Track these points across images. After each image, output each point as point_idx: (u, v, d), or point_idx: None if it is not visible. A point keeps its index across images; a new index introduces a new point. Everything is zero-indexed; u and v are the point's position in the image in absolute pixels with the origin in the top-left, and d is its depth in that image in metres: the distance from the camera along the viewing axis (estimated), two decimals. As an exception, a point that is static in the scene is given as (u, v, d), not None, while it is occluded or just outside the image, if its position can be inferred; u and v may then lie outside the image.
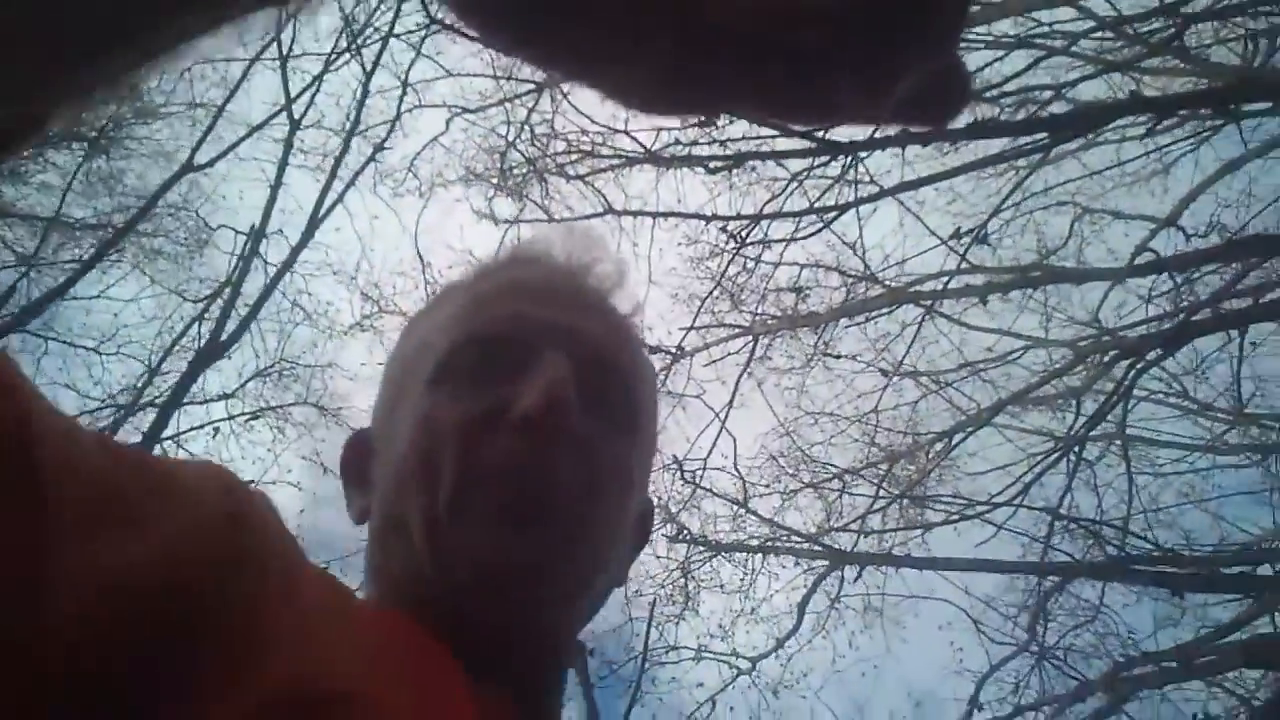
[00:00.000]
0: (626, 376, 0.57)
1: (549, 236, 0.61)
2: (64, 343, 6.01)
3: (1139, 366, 5.61)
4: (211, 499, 0.38)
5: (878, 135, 5.32)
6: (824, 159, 5.34)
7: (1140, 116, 5.25)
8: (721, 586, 5.93)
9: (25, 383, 0.32)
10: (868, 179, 5.57)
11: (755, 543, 5.74)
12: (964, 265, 5.91)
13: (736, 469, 5.62)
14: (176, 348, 5.74)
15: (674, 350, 5.97)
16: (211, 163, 5.67)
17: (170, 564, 0.34)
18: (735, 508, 5.84)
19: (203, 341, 5.38)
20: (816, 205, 5.44)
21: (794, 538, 5.74)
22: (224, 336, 5.39)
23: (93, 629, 0.31)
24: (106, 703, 0.31)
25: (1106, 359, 5.87)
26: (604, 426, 0.53)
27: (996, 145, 5.43)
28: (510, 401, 0.50)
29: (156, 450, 5.43)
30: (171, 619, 0.33)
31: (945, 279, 5.96)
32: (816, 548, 5.63)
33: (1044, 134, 5.24)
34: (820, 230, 5.57)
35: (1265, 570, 5.28)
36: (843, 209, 5.45)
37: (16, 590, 0.29)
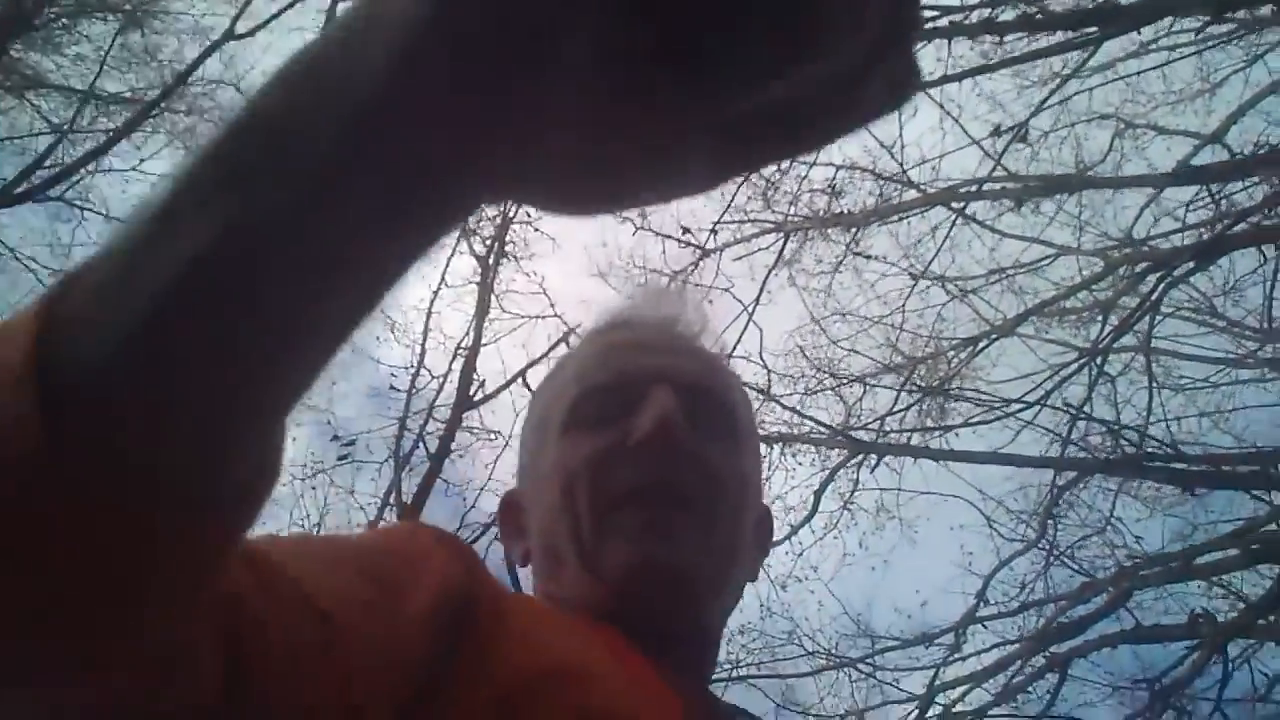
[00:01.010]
0: (723, 397, 0.65)
1: (637, 300, 0.72)
2: (100, 214, 6.08)
3: (1169, 279, 5.62)
4: (441, 553, 0.48)
5: (924, 28, 5.25)
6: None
7: (1193, 19, 5.15)
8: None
9: (278, 559, 0.39)
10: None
11: (776, 432, 5.85)
12: (999, 170, 5.86)
13: (761, 358, 5.69)
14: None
15: (701, 246, 6.00)
16: (252, 32, 5.60)
17: (435, 610, 0.44)
18: (756, 401, 5.94)
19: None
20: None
21: (815, 429, 5.84)
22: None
23: (396, 676, 0.41)
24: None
25: (1137, 270, 5.86)
26: (712, 440, 0.61)
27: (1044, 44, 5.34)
28: (629, 433, 0.59)
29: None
30: (441, 648, 0.43)
31: (979, 183, 5.92)
32: (837, 437, 5.74)
33: (1093, 28, 5.14)
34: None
35: None
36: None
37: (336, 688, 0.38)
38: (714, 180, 0.28)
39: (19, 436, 0.25)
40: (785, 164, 5.83)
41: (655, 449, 0.58)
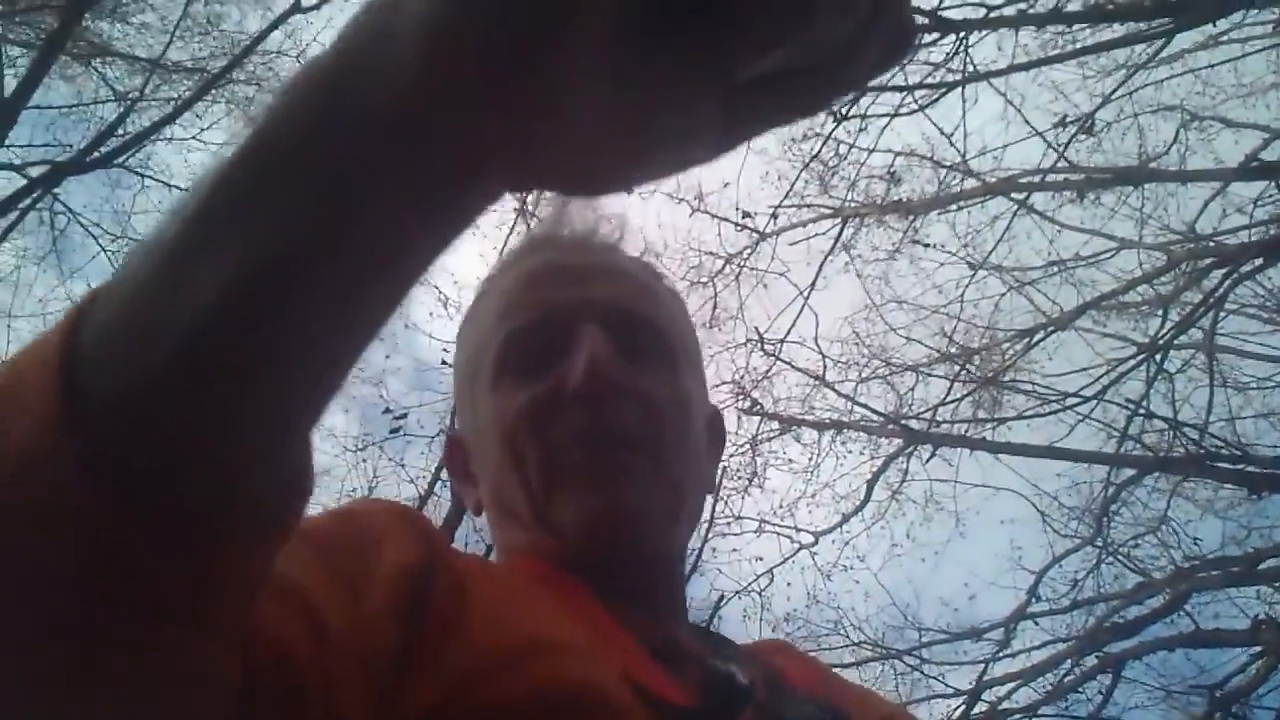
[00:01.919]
0: (653, 320, 0.63)
1: (551, 217, 0.69)
2: (162, 182, 6.16)
3: (1235, 275, 5.52)
4: (398, 531, 0.48)
5: (990, 15, 5.21)
6: (934, 37, 5.23)
7: (1270, 10, 5.06)
8: (790, 462, 6.02)
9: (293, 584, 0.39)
10: (973, 67, 5.46)
11: (828, 418, 5.80)
12: (1061, 162, 5.79)
13: (816, 343, 5.65)
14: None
15: (759, 230, 5.97)
16: (319, 4, 5.67)
17: (397, 597, 0.44)
18: (809, 386, 5.90)
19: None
20: (918, 83, 5.34)
21: (868, 416, 5.79)
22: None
23: (370, 654, 0.41)
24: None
25: (1201, 266, 5.76)
26: (648, 368, 0.60)
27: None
28: (562, 380, 0.58)
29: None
30: (406, 633, 0.43)
31: (1042, 174, 5.86)
32: (890, 426, 5.68)
33: (1167, 20, 5.08)
34: (916, 112, 5.48)
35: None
36: (946, 88, 5.35)
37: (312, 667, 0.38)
38: (721, 148, 0.28)
39: (50, 460, 0.25)
40: (835, 147, 5.81)
41: (591, 395, 0.57)
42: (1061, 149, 5.60)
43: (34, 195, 5.40)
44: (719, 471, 0.68)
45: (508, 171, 0.25)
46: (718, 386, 5.69)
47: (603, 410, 0.57)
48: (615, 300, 0.62)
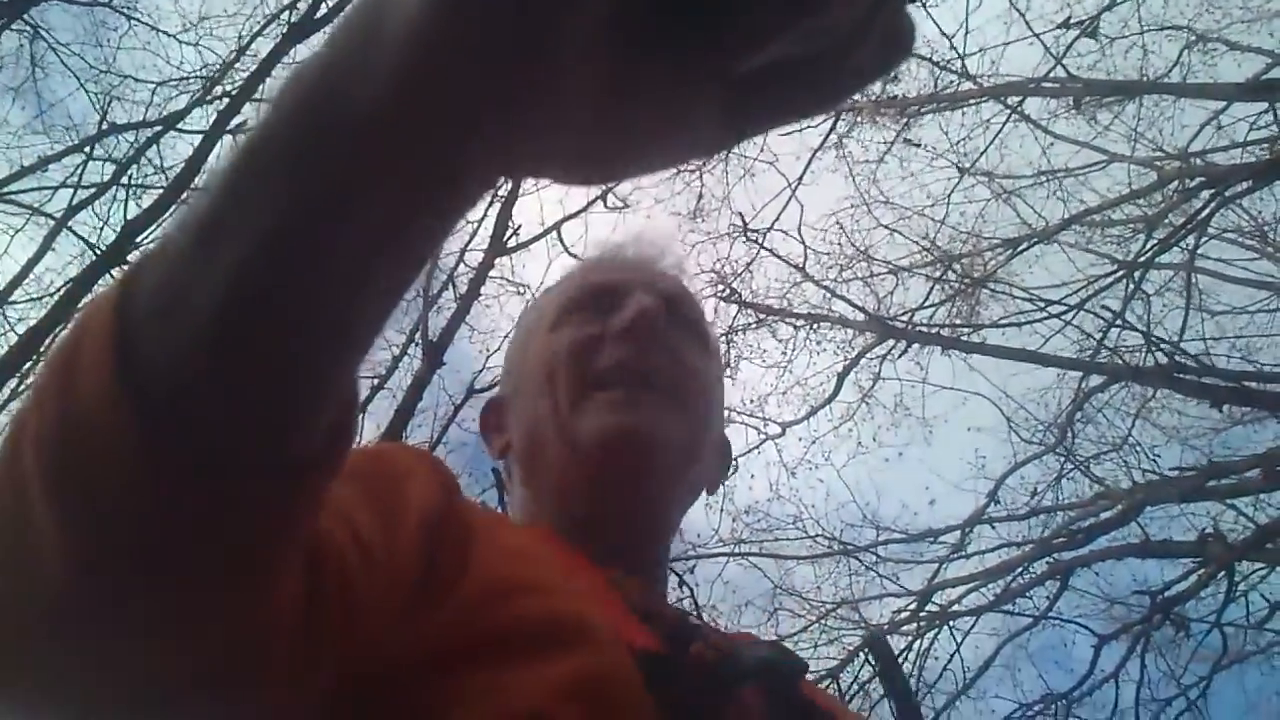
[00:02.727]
0: (698, 311, 0.71)
1: (623, 241, 0.75)
2: (148, 25, 6.00)
3: (1221, 197, 5.50)
4: (420, 472, 0.50)
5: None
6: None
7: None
8: (764, 353, 6.05)
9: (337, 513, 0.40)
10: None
11: (806, 310, 5.81)
12: (1059, 71, 5.72)
13: (799, 232, 5.64)
14: (262, 34, 5.73)
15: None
16: None
17: (421, 529, 0.46)
18: (789, 283, 5.90)
19: (292, 21, 5.35)
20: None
21: (845, 313, 5.80)
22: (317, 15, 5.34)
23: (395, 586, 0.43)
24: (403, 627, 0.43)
25: (1189, 186, 5.74)
26: (685, 340, 0.66)
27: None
28: (609, 325, 0.64)
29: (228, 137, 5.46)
30: (425, 565, 0.45)
31: (1038, 81, 5.79)
32: (867, 319, 5.69)
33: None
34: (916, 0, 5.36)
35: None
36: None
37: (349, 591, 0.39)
38: (719, 143, 0.29)
39: (115, 435, 0.28)
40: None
41: (633, 337, 0.62)
42: (1060, 55, 5.53)
43: (4, 20, 5.25)
44: (718, 485, 0.74)
45: (501, 160, 0.26)
46: (698, 275, 5.69)
47: (639, 352, 0.62)
48: (670, 287, 0.69)
